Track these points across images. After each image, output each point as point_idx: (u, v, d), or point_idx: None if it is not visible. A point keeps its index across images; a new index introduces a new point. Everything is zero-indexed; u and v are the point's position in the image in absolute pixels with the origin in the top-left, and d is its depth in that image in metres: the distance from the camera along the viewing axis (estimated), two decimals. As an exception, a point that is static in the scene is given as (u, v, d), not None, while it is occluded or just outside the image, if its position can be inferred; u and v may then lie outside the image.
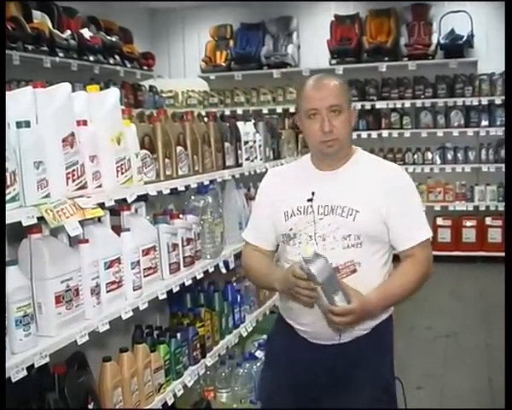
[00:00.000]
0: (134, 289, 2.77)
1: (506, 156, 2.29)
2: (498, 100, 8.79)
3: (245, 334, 3.99)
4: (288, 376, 2.60)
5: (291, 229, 2.50)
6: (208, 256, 3.47)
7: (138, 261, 2.80)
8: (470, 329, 6.11)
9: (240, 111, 9.32)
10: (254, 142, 4.14)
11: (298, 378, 2.57)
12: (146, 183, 2.93)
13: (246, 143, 4.02)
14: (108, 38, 7.46)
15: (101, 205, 2.52)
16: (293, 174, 2.65)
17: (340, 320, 2.32)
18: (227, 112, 9.27)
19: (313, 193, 2.47)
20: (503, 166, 8.82)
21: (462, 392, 4.78)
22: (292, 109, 9.18)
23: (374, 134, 9.16)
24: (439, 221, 9.01)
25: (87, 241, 2.50)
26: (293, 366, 2.58)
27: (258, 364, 4.09)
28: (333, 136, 2.42)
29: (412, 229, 2.49)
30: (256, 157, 4.14)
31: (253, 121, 4.25)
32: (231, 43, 9.82)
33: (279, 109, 9.25)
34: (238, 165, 3.87)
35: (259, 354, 4.17)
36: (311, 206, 2.46)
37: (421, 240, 2.48)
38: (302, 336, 2.56)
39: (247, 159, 4.01)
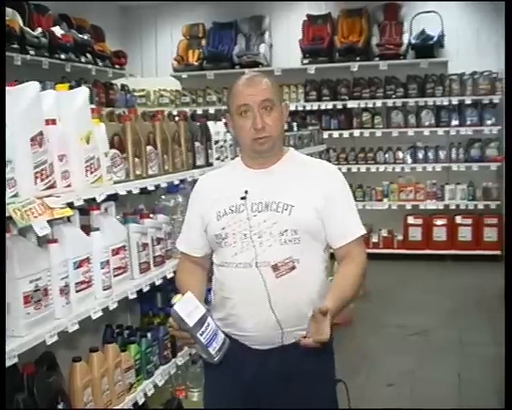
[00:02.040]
0: (104, 289, 2.77)
1: (506, 156, 2.31)
2: (468, 100, 8.90)
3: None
4: (233, 385, 2.44)
5: (223, 228, 2.39)
6: (178, 255, 3.47)
7: (108, 261, 2.80)
8: (441, 326, 6.18)
9: (212, 110, 9.31)
10: (225, 141, 4.14)
11: (243, 387, 2.42)
12: (116, 182, 2.92)
13: (216, 142, 4.02)
14: (80, 36, 7.40)
15: (70, 204, 2.52)
16: (224, 176, 2.58)
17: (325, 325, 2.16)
18: (199, 111, 9.27)
19: (246, 191, 2.39)
20: (472, 165, 8.95)
21: (432, 388, 4.84)
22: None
23: (345, 134, 9.20)
24: (410, 220, 9.09)
25: (56, 241, 2.49)
26: (237, 374, 2.42)
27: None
28: (265, 133, 2.35)
29: (347, 226, 2.45)
30: (227, 156, 4.14)
31: (223, 121, 4.26)
32: (204, 42, 9.81)
33: (251, 109, 9.26)
34: (208, 164, 3.87)
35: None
36: (244, 204, 2.38)
37: (356, 236, 2.44)
38: (242, 343, 2.41)
39: (217, 158, 4.01)
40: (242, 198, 2.39)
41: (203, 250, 2.55)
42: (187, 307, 2.23)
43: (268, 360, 2.39)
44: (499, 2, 8.68)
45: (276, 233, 2.35)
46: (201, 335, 2.24)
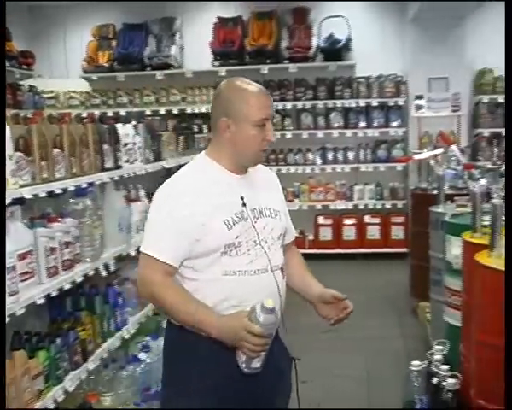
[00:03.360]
0: (10, 295, 2.71)
1: (506, 156, 2.38)
2: (375, 102, 9.16)
3: (128, 336, 3.98)
4: (237, 386, 2.35)
5: (237, 237, 2.33)
6: (88, 259, 3.44)
7: (14, 266, 2.75)
8: (352, 323, 6.29)
9: (123, 112, 9.23)
10: (134, 144, 4.12)
11: (246, 385, 2.35)
12: (21, 186, 2.87)
13: (125, 144, 3.99)
14: (-16, 36, 7.20)
15: (-26, 209, 2.47)
16: (210, 181, 2.41)
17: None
18: (110, 113, 9.17)
19: (242, 197, 2.39)
20: (380, 165, 9.20)
21: (343, 385, 4.95)
22: (175, 111, 9.22)
23: (256, 135, 9.26)
24: (321, 220, 9.27)
25: (-42, 246, 2.43)
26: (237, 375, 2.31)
27: (142, 366, 4.10)
28: (269, 144, 2.44)
29: (290, 222, 2.69)
30: (136, 159, 4.13)
31: (133, 123, 4.24)
32: (114, 43, 9.71)
33: (162, 111, 9.25)
34: (117, 167, 3.85)
35: (143, 355, 4.17)
36: (246, 210, 2.38)
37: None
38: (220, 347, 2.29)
39: (126, 161, 3.99)
40: (243, 204, 2.39)
41: (182, 261, 2.38)
42: (270, 318, 2.18)
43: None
44: (404, 6, 8.99)
45: (275, 238, 2.47)
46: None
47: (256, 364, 2.25)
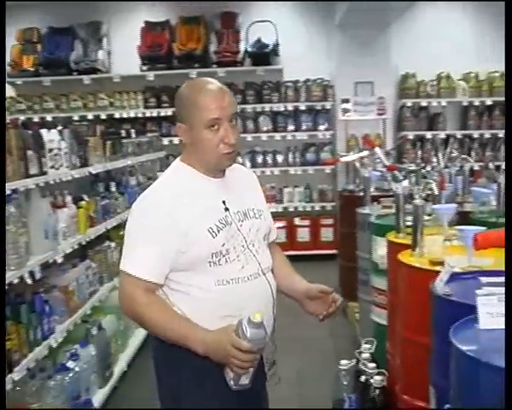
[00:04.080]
0: None
1: (506, 156, 2.42)
2: (303, 106, 9.26)
3: (55, 345, 3.92)
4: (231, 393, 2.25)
5: (223, 244, 2.23)
6: (12, 267, 3.37)
7: None
8: (286, 324, 6.32)
9: (49, 118, 9.07)
10: (60, 149, 4.07)
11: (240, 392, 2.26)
12: None
13: (50, 150, 3.94)
14: None
15: None
16: (188, 188, 2.29)
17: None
18: (36, 119, 9.00)
19: (224, 202, 2.30)
20: (309, 168, 9.32)
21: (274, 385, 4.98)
22: (103, 116, 9.12)
23: (186, 140, 9.24)
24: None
25: None
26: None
27: (71, 374, 4.04)
28: (234, 147, 2.27)
29: (272, 220, 2.58)
30: (62, 165, 4.07)
31: (58, 128, 4.18)
32: (39, 47, 9.53)
33: (90, 116, 9.12)
34: (42, 173, 3.79)
35: (71, 364, 4.12)
36: (229, 215, 2.28)
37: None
38: None
39: (52, 167, 3.93)
40: (226, 209, 2.29)
41: (166, 275, 2.24)
42: (258, 333, 2.06)
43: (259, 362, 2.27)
44: (331, 11, 9.13)
45: (261, 239, 2.39)
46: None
47: (244, 380, 2.16)
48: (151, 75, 9.12)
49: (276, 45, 9.27)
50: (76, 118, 8.95)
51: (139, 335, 5.75)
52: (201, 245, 2.20)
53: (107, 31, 9.56)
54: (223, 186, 2.34)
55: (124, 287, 2.25)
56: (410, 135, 9.28)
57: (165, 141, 8.74)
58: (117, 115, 9.24)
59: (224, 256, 2.24)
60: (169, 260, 2.20)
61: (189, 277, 2.24)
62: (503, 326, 2.33)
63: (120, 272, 2.26)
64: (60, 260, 3.98)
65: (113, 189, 5.39)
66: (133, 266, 2.21)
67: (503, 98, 9.28)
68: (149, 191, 2.33)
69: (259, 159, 9.44)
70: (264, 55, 9.25)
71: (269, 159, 9.45)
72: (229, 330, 2.09)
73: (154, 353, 2.39)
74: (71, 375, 4.05)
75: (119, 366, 5.06)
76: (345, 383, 3.94)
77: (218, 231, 2.23)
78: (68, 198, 4.26)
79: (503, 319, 2.33)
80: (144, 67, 9.28)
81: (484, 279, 2.92)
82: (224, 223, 2.26)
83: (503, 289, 2.66)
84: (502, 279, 2.92)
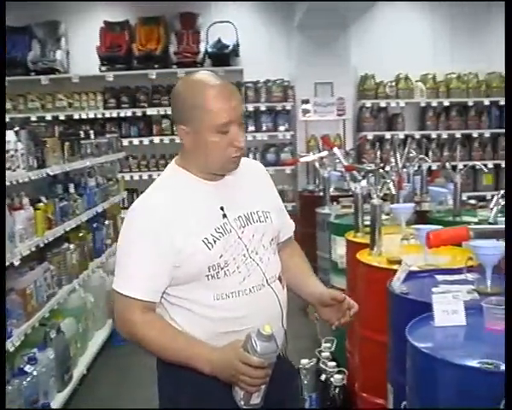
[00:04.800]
0: None
1: (506, 156, 2.43)
2: (263, 106, 9.27)
3: (12, 349, 3.86)
4: None
5: (221, 256, 2.05)
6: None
7: None
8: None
9: (6, 119, 8.93)
10: (16, 151, 4.01)
11: None
12: None
13: (6, 152, 3.89)
14: None
15: None
16: (182, 193, 2.12)
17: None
18: (-8, 119, 8.86)
19: (222, 208, 2.11)
20: (269, 168, 9.16)
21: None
22: (62, 116, 9.02)
23: (145, 140, 9.17)
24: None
25: None
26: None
27: (29, 378, 3.99)
28: (242, 150, 2.10)
29: (288, 217, 2.44)
30: (18, 166, 4.02)
31: (14, 129, 4.13)
32: (-5, 46, 9.39)
33: (49, 117, 9.02)
34: (-2, 175, 3.74)
35: (29, 368, 4.07)
36: (228, 222, 2.09)
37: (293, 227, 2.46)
38: None
39: (8, 168, 3.88)
40: (224, 216, 2.09)
41: (162, 292, 2.09)
42: (270, 346, 1.91)
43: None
44: (290, 12, 9.17)
45: (267, 244, 2.17)
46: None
47: (256, 399, 1.98)
48: (110, 76, 9.03)
49: (237, 46, 9.26)
50: (34, 119, 8.86)
51: (99, 337, 5.71)
52: (197, 258, 2.03)
53: (65, 30, 9.43)
54: (222, 189, 2.14)
55: (118, 308, 2.08)
56: (370, 135, 9.37)
57: (125, 142, 8.66)
58: (76, 116, 9.13)
59: (222, 269, 2.06)
60: (165, 276, 2.05)
61: (188, 291, 2.08)
62: (458, 323, 2.37)
63: (113, 291, 2.09)
64: (17, 263, 3.93)
65: (72, 190, 5.33)
66: (127, 286, 2.05)
67: (459, 99, 9.48)
68: (142, 200, 2.13)
69: (220, 160, 9.41)
70: (224, 55, 9.23)
71: (230, 159, 9.43)
72: (237, 345, 1.93)
73: (159, 369, 2.23)
74: (29, 379, 3.99)
75: (79, 370, 5.02)
76: (305, 382, 3.97)
77: (215, 242, 2.05)
78: (25, 200, 4.20)
79: (458, 316, 2.37)
80: (103, 68, 9.18)
81: (439, 277, 2.98)
82: (222, 232, 2.07)
83: (457, 287, 2.71)
84: (457, 277, 2.98)
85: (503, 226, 2.39)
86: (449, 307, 2.37)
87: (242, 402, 1.98)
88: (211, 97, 2.03)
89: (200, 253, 2.03)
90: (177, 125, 2.13)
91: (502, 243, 2.54)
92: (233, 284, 2.07)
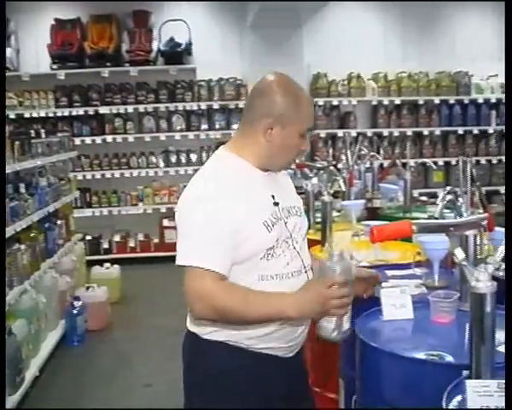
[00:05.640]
0: None
1: (506, 156, 2.45)
2: (216, 105, 9.28)
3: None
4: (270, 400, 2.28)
5: (277, 239, 2.18)
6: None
7: None
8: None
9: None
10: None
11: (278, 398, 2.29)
12: None
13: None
14: None
15: None
16: (242, 179, 2.22)
17: None
18: None
19: (273, 196, 2.25)
20: (223, 167, 9.33)
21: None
22: (12, 115, 8.89)
23: (98, 140, 9.10)
24: (166, 223, 9.22)
25: None
26: (272, 388, 2.28)
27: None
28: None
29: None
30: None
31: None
32: None
33: (-2, 115, 8.88)
34: None
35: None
36: (279, 210, 2.23)
37: None
38: (274, 355, 2.26)
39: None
40: (275, 204, 2.23)
41: (230, 268, 2.16)
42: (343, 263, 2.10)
43: (295, 365, 2.36)
44: (243, 11, 9.20)
45: (303, 236, 2.33)
46: None
47: (346, 325, 2.13)
48: (62, 74, 8.94)
49: (189, 45, 9.26)
50: (-17, 118, 8.70)
51: (51, 339, 5.65)
52: (258, 240, 2.15)
53: (15, 28, 9.29)
54: (270, 180, 2.29)
55: (191, 283, 2.10)
56: (322, 133, 9.45)
57: (77, 141, 8.58)
58: (27, 115, 9.01)
59: (273, 251, 2.18)
60: (230, 252, 2.11)
61: (235, 272, 2.15)
62: (406, 317, 2.43)
63: (183, 268, 2.13)
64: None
65: (23, 190, 5.26)
66: (198, 258, 2.09)
67: (410, 98, 9.64)
68: (201, 180, 2.23)
69: (173, 158, 9.40)
70: (176, 54, 9.22)
71: (182, 158, 9.42)
72: (315, 280, 2.18)
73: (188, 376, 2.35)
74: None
75: (31, 372, 4.95)
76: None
77: (273, 226, 2.18)
78: (-26, 200, 4.15)
79: (406, 310, 2.43)
80: (55, 66, 9.08)
81: (389, 273, 3.04)
82: (276, 217, 2.20)
83: (405, 282, 2.77)
84: (405, 272, 3.05)
85: (446, 221, 2.45)
86: (397, 302, 2.43)
87: (336, 332, 2.11)
88: (305, 102, 2.25)
89: (261, 234, 2.15)
90: (262, 118, 2.20)
91: (448, 239, 2.61)
92: (278, 267, 2.19)
